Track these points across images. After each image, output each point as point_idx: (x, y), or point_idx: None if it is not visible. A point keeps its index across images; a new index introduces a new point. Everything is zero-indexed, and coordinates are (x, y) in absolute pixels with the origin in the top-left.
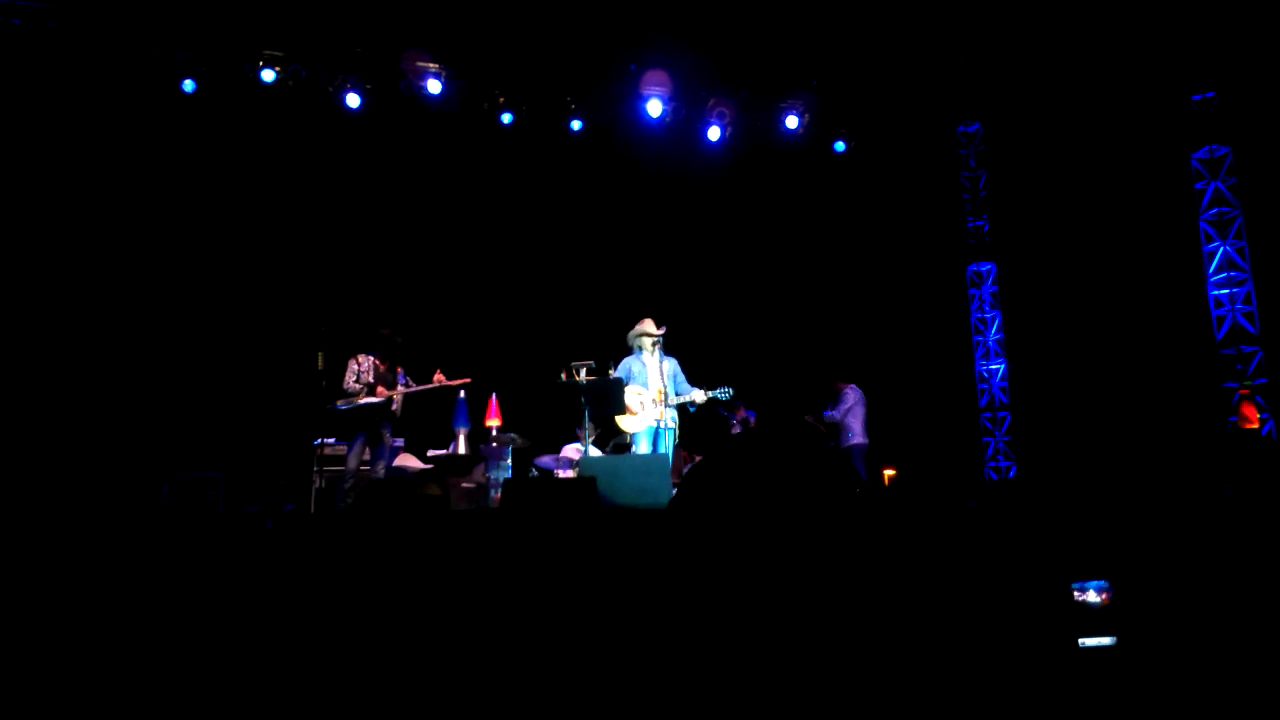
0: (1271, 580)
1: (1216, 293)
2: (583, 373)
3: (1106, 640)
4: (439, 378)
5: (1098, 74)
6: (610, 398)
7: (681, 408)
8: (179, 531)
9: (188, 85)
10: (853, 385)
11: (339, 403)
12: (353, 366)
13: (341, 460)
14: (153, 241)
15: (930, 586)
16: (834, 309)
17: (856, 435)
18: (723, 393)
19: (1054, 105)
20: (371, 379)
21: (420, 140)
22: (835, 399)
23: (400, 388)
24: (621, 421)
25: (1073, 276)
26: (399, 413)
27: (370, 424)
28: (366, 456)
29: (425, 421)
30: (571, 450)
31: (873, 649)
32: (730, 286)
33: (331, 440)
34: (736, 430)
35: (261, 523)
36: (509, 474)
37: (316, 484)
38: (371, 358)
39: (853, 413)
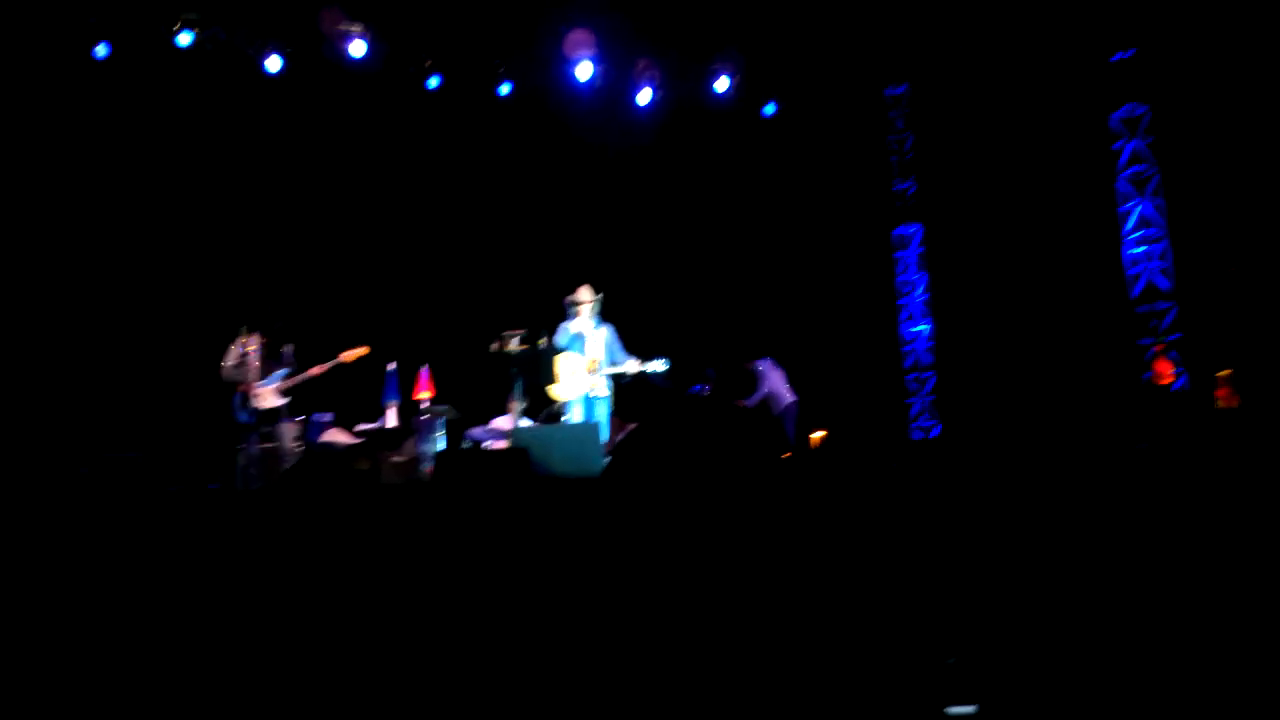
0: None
1: (1133, 251)
2: (514, 342)
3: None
4: (338, 359)
5: (1019, 33)
6: (541, 368)
7: (617, 377)
8: (97, 513)
9: (101, 50)
10: (762, 360)
11: (240, 410)
12: (234, 351)
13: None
14: (65, 217)
15: (856, 550)
16: (762, 273)
17: (784, 398)
18: (657, 364)
19: (977, 66)
20: (258, 363)
21: (345, 105)
22: (754, 380)
23: (278, 383)
24: (552, 390)
25: (997, 236)
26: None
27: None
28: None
29: (355, 395)
30: (503, 421)
31: (801, 619)
32: (663, 252)
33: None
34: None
35: (185, 501)
36: (440, 447)
37: (241, 462)
38: (255, 337)
39: (770, 382)
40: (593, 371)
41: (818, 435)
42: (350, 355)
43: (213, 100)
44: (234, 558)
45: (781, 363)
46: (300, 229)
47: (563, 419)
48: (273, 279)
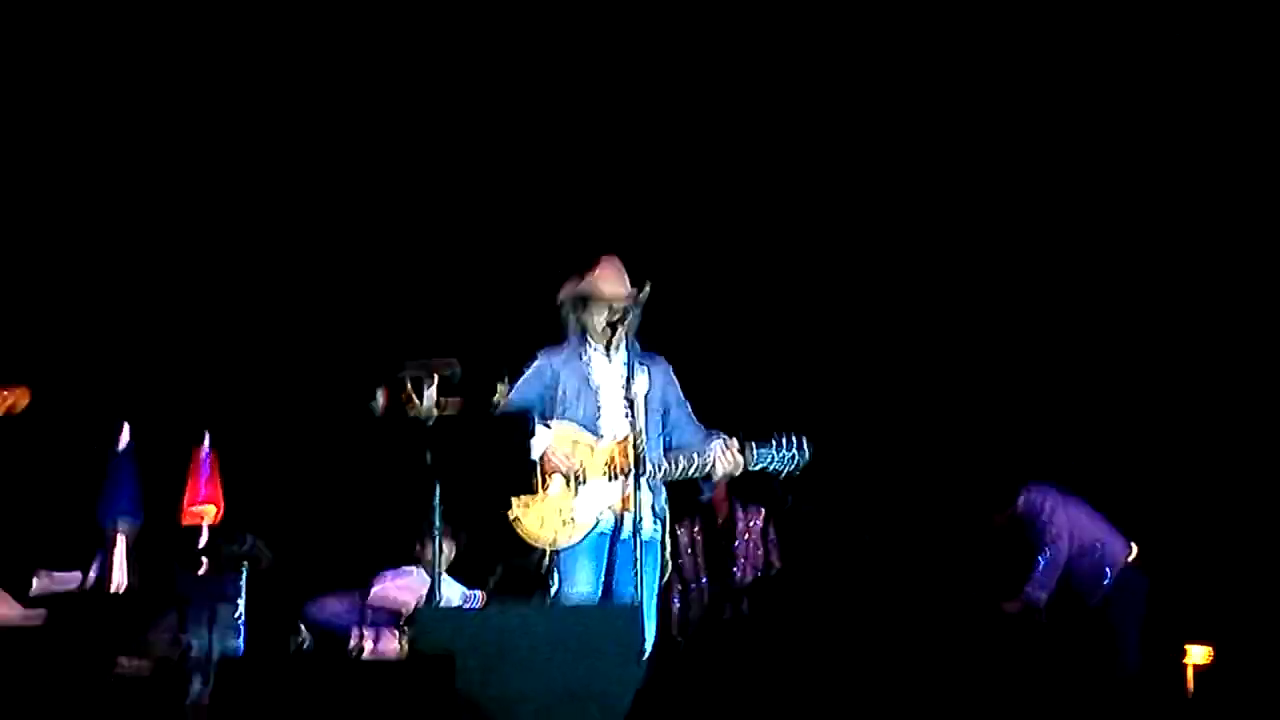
0: None
1: None
2: (428, 390)
3: None
4: None
5: None
6: (499, 454)
7: (679, 484)
8: None
9: None
10: (1040, 488)
11: None
12: None
13: None
14: None
15: None
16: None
17: (1106, 561)
18: (783, 454)
19: None
20: None
21: None
22: (1026, 524)
23: None
24: (529, 515)
25: None
26: None
27: None
28: None
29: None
30: (398, 586)
31: None
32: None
33: None
34: (746, 536)
35: None
36: (234, 643)
37: None
38: None
39: (1066, 534)
40: (626, 468)
41: (1200, 652)
42: None
43: None
44: None
45: (1081, 489)
46: None
47: (550, 588)
48: None
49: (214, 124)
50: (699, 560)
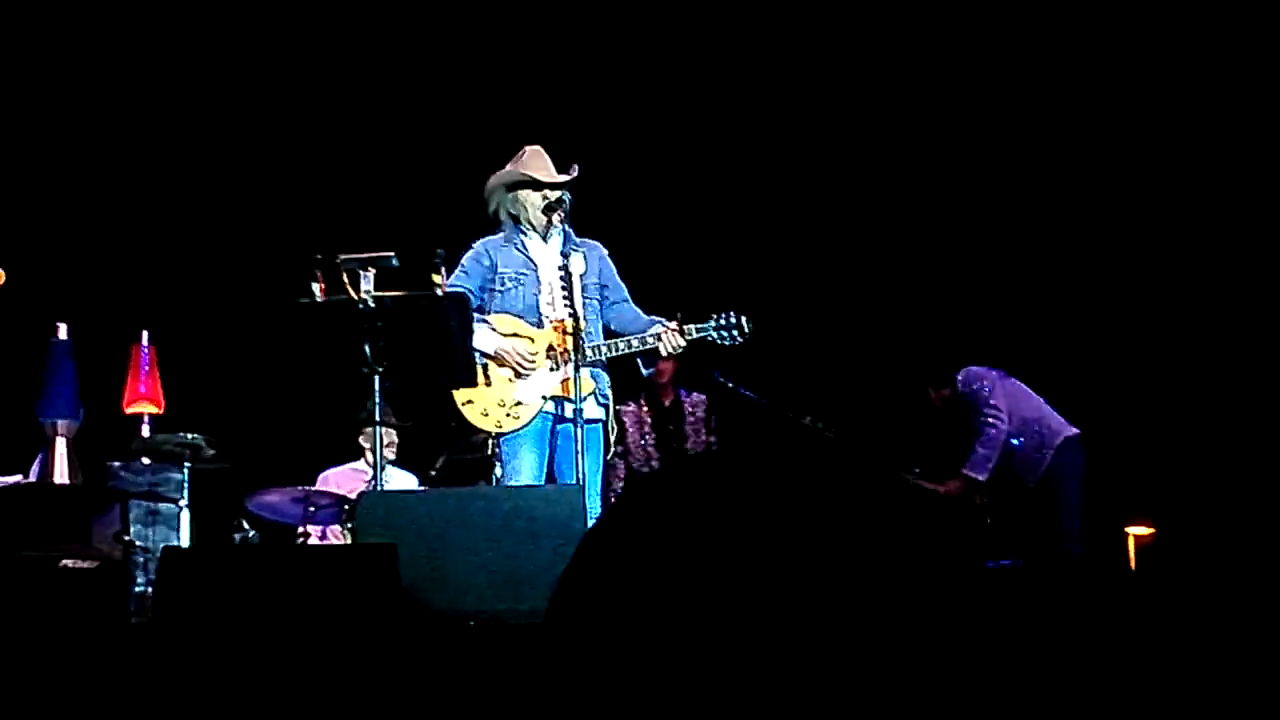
0: None
1: None
2: (367, 279)
3: None
4: None
5: None
6: (439, 341)
7: (620, 363)
8: None
9: None
10: (980, 371)
11: None
12: None
13: None
14: None
15: None
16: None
17: (1049, 429)
18: (722, 330)
19: None
20: None
21: None
22: (965, 404)
23: None
24: (473, 405)
25: None
26: None
27: None
28: None
29: None
30: (341, 474)
31: None
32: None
33: None
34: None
35: None
36: (176, 538)
37: None
38: None
39: (1004, 413)
40: (567, 352)
41: (1142, 530)
42: None
43: None
44: None
45: (1019, 369)
46: None
47: (493, 472)
48: None
49: (143, 18)
50: (648, 440)
